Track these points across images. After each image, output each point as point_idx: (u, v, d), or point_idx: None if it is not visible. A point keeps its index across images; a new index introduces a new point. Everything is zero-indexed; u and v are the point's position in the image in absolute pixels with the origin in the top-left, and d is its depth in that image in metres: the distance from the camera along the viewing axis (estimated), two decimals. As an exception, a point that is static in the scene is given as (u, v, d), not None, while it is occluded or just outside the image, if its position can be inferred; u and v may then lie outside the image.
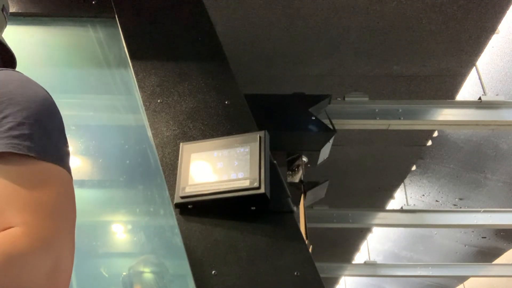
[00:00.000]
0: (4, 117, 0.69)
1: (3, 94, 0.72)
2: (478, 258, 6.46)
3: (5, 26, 1.00)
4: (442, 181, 4.82)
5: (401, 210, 4.45)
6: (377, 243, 6.61)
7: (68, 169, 0.73)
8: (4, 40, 0.97)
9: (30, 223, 0.61)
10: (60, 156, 0.73)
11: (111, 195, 2.39)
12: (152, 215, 2.21)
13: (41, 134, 0.72)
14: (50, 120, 0.76)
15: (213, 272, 1.31)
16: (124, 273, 2.10)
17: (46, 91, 0.79)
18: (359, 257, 6.73)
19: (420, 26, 2.71)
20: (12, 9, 1.97)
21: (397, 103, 2.87)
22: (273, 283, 1.29)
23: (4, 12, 0.99)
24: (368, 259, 5.93)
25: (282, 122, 2.60)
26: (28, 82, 0.77)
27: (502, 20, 2.67)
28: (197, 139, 1.56)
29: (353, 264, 6.54)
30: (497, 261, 6.34)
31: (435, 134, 3.83)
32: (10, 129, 0.68)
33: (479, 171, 4.55)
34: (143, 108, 1.67)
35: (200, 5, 1.93)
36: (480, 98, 2.83)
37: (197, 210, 1.43)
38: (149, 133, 1.62)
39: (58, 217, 0.65)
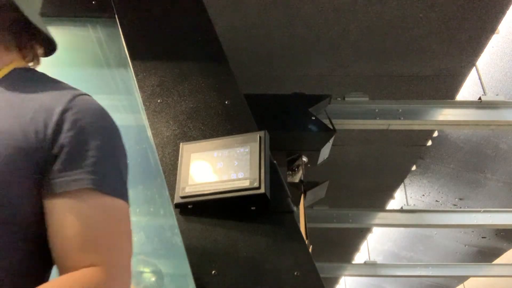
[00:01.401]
0: (87, 150, 0.76)
1: (88, 124, 0.78)
2: (478, 258, 6.47)
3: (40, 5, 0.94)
4: (442, 181, 4.82)
5: (401, 210, 4.45)
6: (377, 243, 6.61)
7: (129, 201, 0.82)
8: (44, 28, 0.89)
9: (107, 263, 0.73)
10: (126, 191, 0.82)
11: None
12: (152, 215, 2.21)
13: (116, 172, 0.80)
14: (121, 155, 0.84)
15: (213, 272, 1.31)
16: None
17: (112, 119, 0.86)
18: (359, 257, 6.73)
19: (420, 26, 2.71)
20: (12, 9, 1.96)
21: (397, 103, 2.87)
22: (273, 283, 1.29)
23: None
24: (368, 259, 5.93)
25: (282, 122, 2.59)
26: (104, 112, 0.84)
27: (502, 20, 2.67)
28: (197, 139, 1.56)
29: (353, 264, 6.54)
30: (497, 261, 6.34)
31: (435, 134, 3.83)
32: (94, 164, 0.76)
33: (479, 171, 4.55)
34: (143, 108, 1.66)
35: (200, 5, 1.92)
36: (480, 98, 2.83)
37: (197, 210, 1.43)
38: (149, 133, 1.62)
39: (126, 254, 0.78)
